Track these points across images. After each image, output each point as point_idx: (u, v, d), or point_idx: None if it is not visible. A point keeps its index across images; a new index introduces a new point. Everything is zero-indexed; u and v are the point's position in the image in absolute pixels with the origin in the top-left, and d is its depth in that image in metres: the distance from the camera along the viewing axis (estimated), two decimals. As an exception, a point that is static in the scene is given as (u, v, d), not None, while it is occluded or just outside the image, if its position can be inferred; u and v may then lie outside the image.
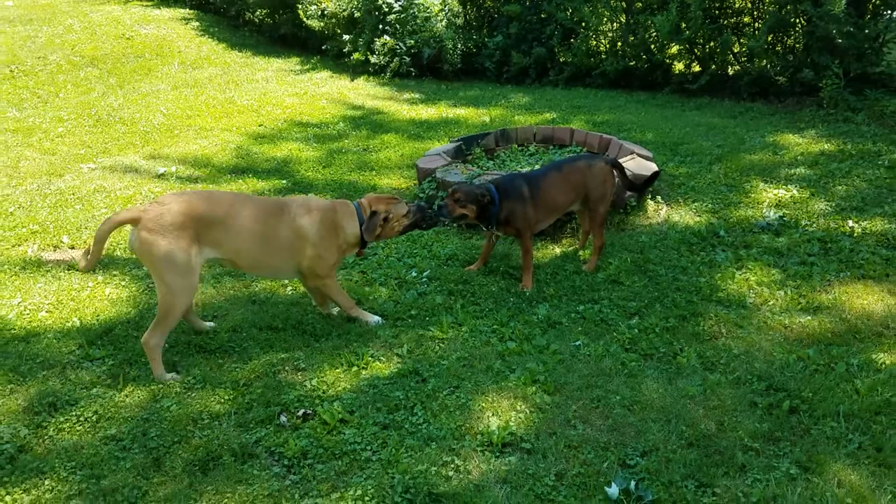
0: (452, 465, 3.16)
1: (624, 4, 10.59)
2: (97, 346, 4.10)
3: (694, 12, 9.15)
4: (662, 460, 3.16)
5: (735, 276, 4.86)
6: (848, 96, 8.32)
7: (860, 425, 3.34)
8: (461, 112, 9.69)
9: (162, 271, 3.65)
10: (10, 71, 12.23)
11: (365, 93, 10.94)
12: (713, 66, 9.74)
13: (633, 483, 2.97)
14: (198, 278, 3.79)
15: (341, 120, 9.28)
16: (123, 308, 4.55)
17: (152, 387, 3.72)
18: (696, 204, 6.17)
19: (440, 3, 11.76)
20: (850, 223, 5.55)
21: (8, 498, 2.97)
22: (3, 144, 8.26)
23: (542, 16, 11.27)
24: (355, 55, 12.01)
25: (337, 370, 3.87)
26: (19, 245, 5.50)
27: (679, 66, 10.54)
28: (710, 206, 6.11)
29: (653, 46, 10.10)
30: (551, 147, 7.00)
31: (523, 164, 6.56)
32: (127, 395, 3.65)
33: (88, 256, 3.72)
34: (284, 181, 6.98)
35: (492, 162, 6.70)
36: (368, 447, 3.27)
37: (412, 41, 11.64)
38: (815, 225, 5.56)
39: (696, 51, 10.00)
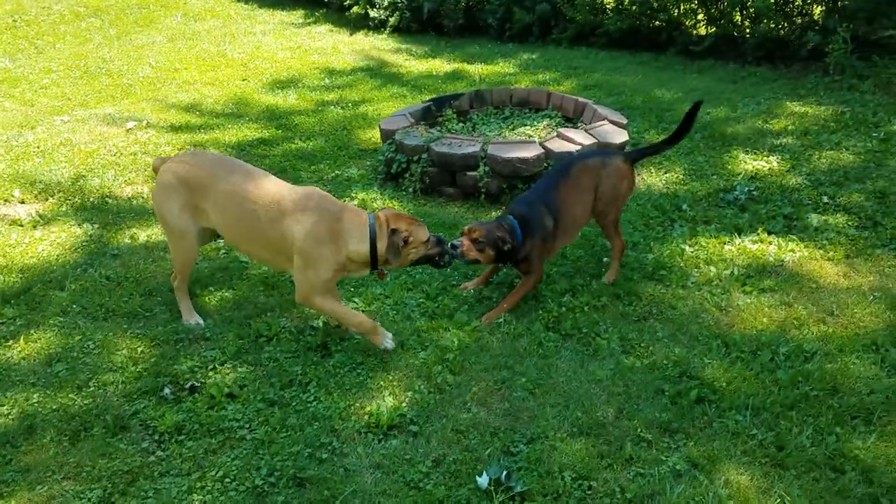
0: (329, 448, 3.05)
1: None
2: (11, 305, 4.06)
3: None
4: (547, 449, 3.02)
5: (684, 254, 4.61)
6: (855, 62, 7.82)
7: (768, 420, 3.14)
8: (454, 69, 9.39)
9: (167, 229, 3.79)
10: (13, 20, 12.22)
11: (359, 48, 10.67)
12: (719, 27, 9.26)
13: (504, 473, 2.83)
14: (194, 243, 3.80)
15: (327, 76, 9.06)
16: (51, 266, 4.50)
17: (52, 350, 3.66)
18: (667, 175, 5.88)
19: (443, -45, 11.34)
20: (825, 199, 5.24)
21: None
22: (-15, 95, 8.26)
23: (547, -30, 10.80)
24: (355, 8, 11.73)
25: (242, 340, 3.77)
26: (-31, 198, 5.48)
27: (688, 25, 10.01)
28: (680, 177, 5.82)
29: (657, 4, 9.62)
30: (527, 110, 6.73)
31: (493, 128, 6.32)
32: (23, 358, 3.60)
33: None
34: (249, 139, 6.84)
35: (461, 124, 6.45)
36: (247, 425, 3.18)
37: (414, -6, 11.30)
38: (785, 201, 5.26)
39: (707, 8, 9.51)
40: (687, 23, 9.89)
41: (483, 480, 2.82)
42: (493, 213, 5.36)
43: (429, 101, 6.71)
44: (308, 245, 3.43)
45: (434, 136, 5.72)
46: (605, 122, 5.96)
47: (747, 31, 8.97)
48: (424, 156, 5.59)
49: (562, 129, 5.77)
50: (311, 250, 3.43)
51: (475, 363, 3.61)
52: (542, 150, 5.40)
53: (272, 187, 3.57)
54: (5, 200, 5.48)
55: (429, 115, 6.50)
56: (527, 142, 5.56)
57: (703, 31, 9.79)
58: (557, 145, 5.46)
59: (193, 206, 3.62)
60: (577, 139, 5.52)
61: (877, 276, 4.22)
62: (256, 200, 3.50)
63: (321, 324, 3.94)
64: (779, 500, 2.73)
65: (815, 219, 4.96)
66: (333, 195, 5.51)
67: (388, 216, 3.59)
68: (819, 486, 2.79)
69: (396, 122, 6.13)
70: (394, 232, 3.51)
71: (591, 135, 5.65)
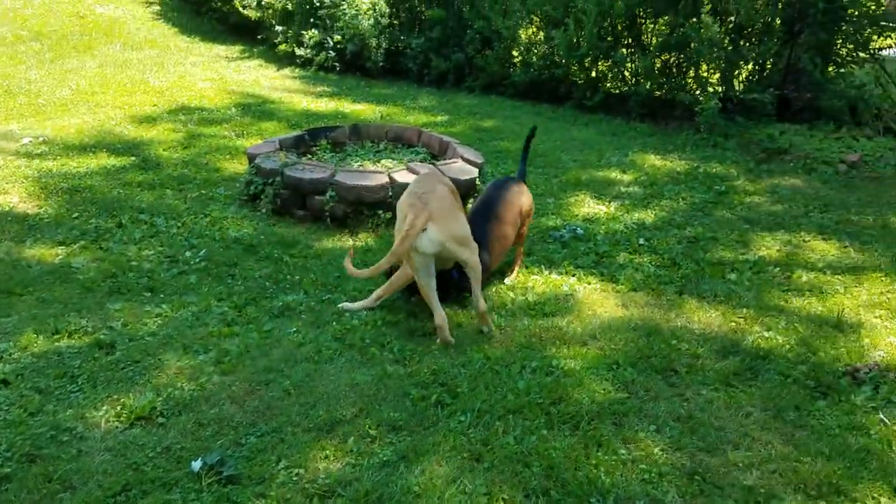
0: (72, 432, 3.28)
1: (537, 19, 10.68)
2: None
3: (588, 29, 9.24)
4: (275, 441, 3.27)
5: (492, 284, 4.94)
6: (722, 122, 8.38)
7: (488, 421, 3.42)
8: (359, 108, 9.82)
9: (466, 244, 4.13)
10: (-47, 41, 12.44)
11: (279, 83, 11.08)
12: (607, 85, 9.83)
13: (217, 459, 3.07)
14: None
15: (234, 106, 9.42)
16: None
17: None
18: (513, 212, 6.25)
19: (369, 2, 11.89)
20: (641, 241, 5.64)
21: None
22: None
23: (464, 22, 11.39)
24: (282, 46, 12.21)
25: (37, 336, 4.00)
26: None
27: (580, 81, 10.55)
28: (524, 214, 6.19)
29: (556, 59, 10.18)
30: (399, 146, 7.12)
31: (361, 160, 6.68)
32: None
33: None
34: (134, 158, 7.14)
35: (331, 154, 6.82)
36: (7, 408, 3.39)
37: (339, 37, 11.79)
38: (605, 241, 5.64)
39: (597, 66, 10.09)
40: (582, 77, 10.38)
41: (196, 464, 3.06)
42: (338, 235, 5.67)
43: (304, 131, 7.07)
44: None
45: (290, 162, 6.06)
46: (459, 160, 6.35)
47: (630, 89, 9.53)
48: (278, 179, 5.92)
49: (411, 164, 6.15)
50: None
51: (249, 366, 3.87)
52: (388, 180, 5.76)
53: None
54: None
55: (302, 144, 6.85)
56: (375, 171, 5.92)
57: (605, 86, 10.33)
58: (403, 176, 5.82)
59: None
60: (423, 172, 5.88)
61: (649, 309, 4.58)
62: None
63: (121, 324, 4.21)
64: (461, 486, 3.01)
65: (623, 257, 5.35)
66: (192, 213, 5.86)
67: None
68: (502, 477, 3.07)
69: (263, 148, 6.47)
70: None
71: (440, 170, 6.01)
